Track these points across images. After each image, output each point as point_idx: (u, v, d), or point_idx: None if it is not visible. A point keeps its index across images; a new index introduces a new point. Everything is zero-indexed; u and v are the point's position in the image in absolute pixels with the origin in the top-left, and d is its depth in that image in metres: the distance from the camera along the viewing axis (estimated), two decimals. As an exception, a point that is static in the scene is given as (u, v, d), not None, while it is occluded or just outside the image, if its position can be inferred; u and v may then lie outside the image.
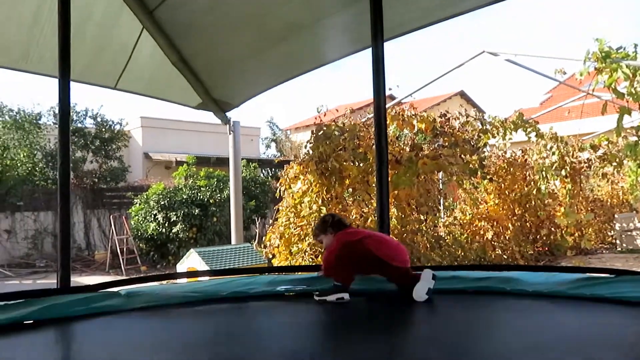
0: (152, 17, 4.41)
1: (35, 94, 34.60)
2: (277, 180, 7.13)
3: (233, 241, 7.34)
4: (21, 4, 3.76)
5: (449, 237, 7.82)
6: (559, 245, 9.72)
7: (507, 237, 8.73)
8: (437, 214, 7.83)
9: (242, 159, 10.40)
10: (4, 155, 12.89)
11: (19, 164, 12.85)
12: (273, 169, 17.41)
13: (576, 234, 9.94)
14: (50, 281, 9.66)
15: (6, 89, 29.83)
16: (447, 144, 6.25)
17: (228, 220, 9.60)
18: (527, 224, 9.47)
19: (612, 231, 10.93)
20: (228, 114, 6.71)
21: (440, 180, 7.76)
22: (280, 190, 6.69)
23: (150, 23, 4.45)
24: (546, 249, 9.71)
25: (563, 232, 9.64)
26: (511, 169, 9.10)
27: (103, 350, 2.03)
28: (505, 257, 8.32)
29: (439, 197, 7.66)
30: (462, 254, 7.65)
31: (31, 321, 2.42)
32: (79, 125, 14.15)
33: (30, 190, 12.58)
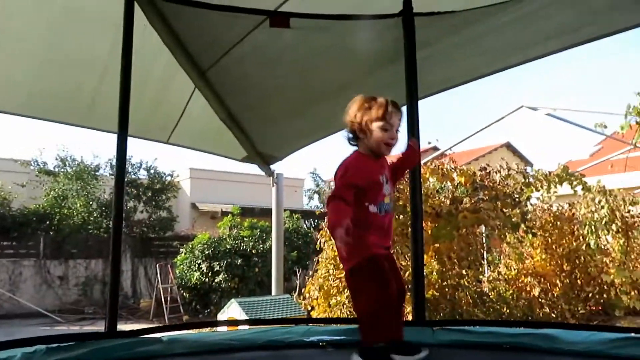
0: (204, 77, 4.76)
1: (96, 146, 36.83)
2: (319, 232, 7.24)
3: (273, 292, 7.40)
4: (86, 71, 4.16)
5: (493, 292, 7.59)
6: (613, 305, 9.21)
7: (555, 295, 8.38)
8: (480, 269, 7.65)
9: (285, 209, 10.61)
10: (63, 204, 13.67)
11: (75, 213, 13.56)
12: (316, 220, 17.56)
13: (632, 293, 9.41)
14: (97, 328, 9.94)
15: (72, 141, 32.11)
16: (487, 197, 6.21)
17: (270, 271, 9.72)
18: (578, 280, 9.07)
19: (673, 290, 10.27)
20: (272, 166, 6.95)
21: (484, 234, 7.64)
22: (320, 242, 6.76)
23: (202, 83, 4.78)
24: (599, 308, 9.22)
25: (617, 290, 9.16)
26: (558, 223, 8.85)
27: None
28: (554, 315, 7.96)
29: (482, 251, 7.52)
30: (508, 311, 7.39)
31: (80, 362, 2.57)
32: (133, 176, 14.88)
33: (83, 238, 13.18)
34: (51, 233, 12.97)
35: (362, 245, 2.01)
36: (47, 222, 13.10)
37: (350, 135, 2.17)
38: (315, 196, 24.28)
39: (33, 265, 12.58)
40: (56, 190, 13.90)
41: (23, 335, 2.76)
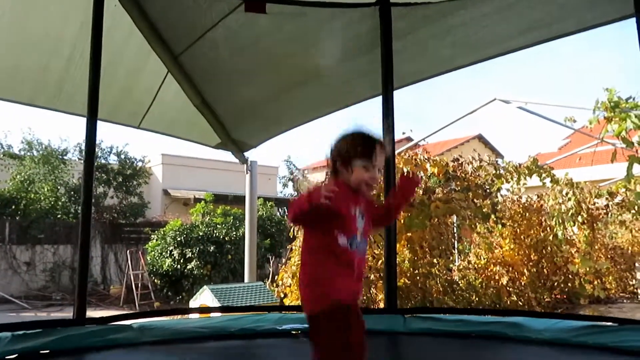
0: (177, 62, 4.67)
1: (64, 130, 35.88)
2: (292, 220, 7.22)
3: (246, 279, 7.39)
4: (55, 50, 4.02)
5: (462, 281, 7.74)
6: (577, 294, 9.51)
7: (522, 283, 8.60)
8: (451, 258, 7.79)
9: (259, 197, 10.55)
10: (29, 188, 13.28)
11: (42, 198, 13.20)
12: (289, 208, 17.50)
13: (595, 282, 9.73)
14: (65, 314, 9.74)
15: (38, 124, 31.23)
16: (459, 188, 6.30)
17: (242, 258, 9.68)
18: (544, 270, 9.32)
19: (633, 280, 10.66)
20: (246, 153, 6.90)
21: (455, 224, 7.75)
22: (294, 230, 6.77)
23: (175, 67, 4.70)
24: (564, 296, 9.51)
25: (582, 279, 9.46)
26: (527, 214, 9.06)
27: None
28: (521, 303, 8.18)
29: (453, 240, 7.64)
30: (477, 299, 7.55)
31: (47, 351, 2.51)
32: (103, 161, 14.55)
33: (51, 224, 12.85)
34: (17, 218, 12.61)
35: (330, 288, 1.76)
36: (13, 207, 12.72)
37: (331, 166, 1.94)
38: (290, 184, 24.22)
39: (-2, 250, 12.25)
40: (22, 174, 13.49)
41: (-13, 323, 2.70)
